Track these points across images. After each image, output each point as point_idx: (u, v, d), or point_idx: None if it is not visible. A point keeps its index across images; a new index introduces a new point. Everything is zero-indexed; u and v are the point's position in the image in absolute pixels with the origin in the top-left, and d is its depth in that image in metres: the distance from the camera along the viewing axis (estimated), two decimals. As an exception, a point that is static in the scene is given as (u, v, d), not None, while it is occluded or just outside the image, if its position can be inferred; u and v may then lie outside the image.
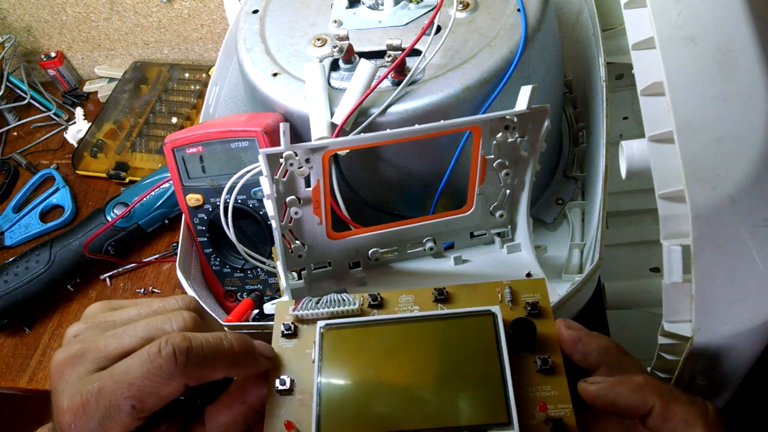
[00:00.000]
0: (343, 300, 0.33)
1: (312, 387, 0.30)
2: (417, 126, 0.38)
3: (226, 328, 0.38)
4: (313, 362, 0.31)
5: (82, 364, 0.28)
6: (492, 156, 0.41)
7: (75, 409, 0.27)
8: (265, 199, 0.38)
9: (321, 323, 0.32)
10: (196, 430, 0.30)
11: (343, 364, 0.31)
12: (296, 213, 0.40)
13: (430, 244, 0.46)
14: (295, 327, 0.33)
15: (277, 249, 0.40)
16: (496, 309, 0.32)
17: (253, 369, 0.31)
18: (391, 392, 0.30)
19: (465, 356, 0.31)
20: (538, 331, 0.31)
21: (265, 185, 0.37)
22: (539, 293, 0.33)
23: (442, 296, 0.34)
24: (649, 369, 0.39)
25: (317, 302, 0.33)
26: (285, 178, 0.38)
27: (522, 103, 0.38)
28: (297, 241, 0.42)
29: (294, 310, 0.33)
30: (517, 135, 0.40)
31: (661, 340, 0.36)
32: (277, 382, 0.30)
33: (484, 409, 0.29)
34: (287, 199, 0.39)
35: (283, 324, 0.33)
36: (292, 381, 0.31)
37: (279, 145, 0.36)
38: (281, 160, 0.37)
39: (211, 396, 0.31)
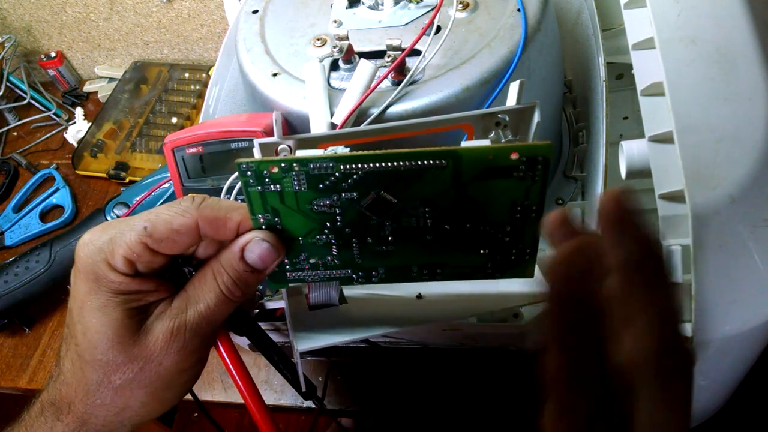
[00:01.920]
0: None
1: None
2: (410, 121, 0.38)
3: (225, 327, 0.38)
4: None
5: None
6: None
7: (95, 230, 0.30)
8: None
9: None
10: (176, 296, 0.31)
11: None
12: None
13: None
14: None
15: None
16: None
17: None
18: None
19: None
20: None
21: None
22: None
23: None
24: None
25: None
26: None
27: (512, 99, 0.38)
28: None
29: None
30: (510, 135, 0.40)
31: (661, 340, 0.36)
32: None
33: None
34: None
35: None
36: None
37: (277, 142, 0.36)
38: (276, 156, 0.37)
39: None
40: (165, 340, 0.30)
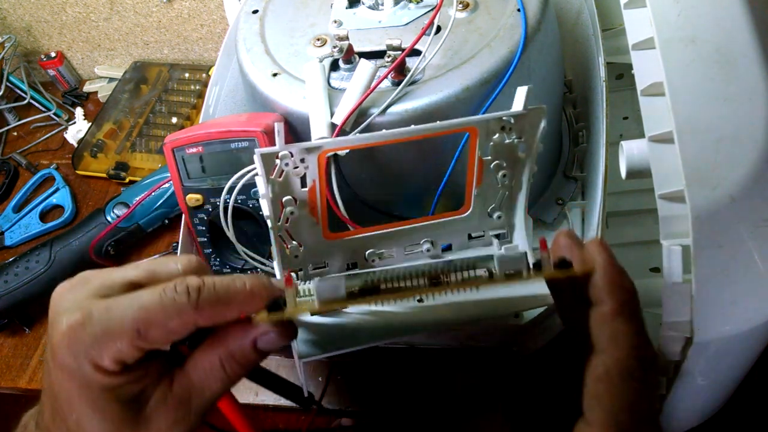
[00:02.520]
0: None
1: None
2: (413, 127, 0.38)
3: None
4: None
5: (86, 289, 0.28)
6: (489, 157, 0.41)
7: (74, 325, 0.26)
8: (260, 199, 0.38)
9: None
10: (176, 377, 0.29)
11: None
12: (292, 213, 0.40)
13: (427, 246, 0.45)
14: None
15: (273, 249, 0.40)
16: None
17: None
18: None
19: None
20: None
21: (261, 185, 0.37)
22: None
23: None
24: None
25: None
26: (281, 179, 0.38)
27: (518, 103, 0.38)
28: (293, 242, 0.42)
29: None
30: (514, 136, 0.40)
31: (661, 340, 0.36)
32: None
33: None
34: (283, 200, 0.39)
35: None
36: None
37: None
38: (277, 161, 0.37)
39: (198, 343, 0.31)
40: (168, 428, 0.28)
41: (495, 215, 0.45)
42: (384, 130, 0.38)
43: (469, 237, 0.46)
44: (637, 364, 0.27)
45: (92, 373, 0.26)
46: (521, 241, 0.46)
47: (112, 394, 0.27)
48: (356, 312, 0.40)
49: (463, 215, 0.44)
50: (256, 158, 0.36)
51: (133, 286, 0.28)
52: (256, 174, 0.37)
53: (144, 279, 0.29)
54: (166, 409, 0.28)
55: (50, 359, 0.28)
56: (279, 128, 0.35)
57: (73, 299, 0.27)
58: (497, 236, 0.46)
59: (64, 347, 0.26)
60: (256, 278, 0.29)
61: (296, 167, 0.37)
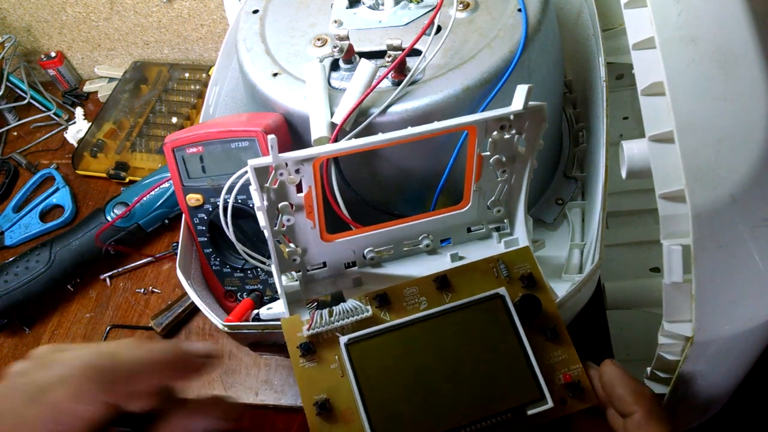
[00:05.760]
0: (355, 309, 0.34)
1: (350, 402, 0.31)
2: (410, 129, 0.37)
3: (226, 328, 0.38)
4: (342, 376, 0.32)
5: (17, 399, 0.27)
6: (488, 153, 0.41)
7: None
8: (256, 210, 0.38)
9: (343, 339, 0.33)
10: None
11: (377, 373, 0.32)
12: (288, 220, 0.39)
13: (426, 242, 0.45)
14: (313, 345, 0.33)
15: (271, 255, 0.40)
16: (502, 291, 0.35)
17: (195, 373, 0.30)
18: (429, 392, 0.32)
19: (485, 340, 0.34)
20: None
21: (256, 197, 0.37)
22: (528, 263, 0.37)
23: (444, 282, 0.36)
24: (649, 369, 0.39)
25: (330, 315, 0.34)
26: (276, 186, 0.37)
27: (518, 102, 0.38)
28: (291, 245, 0.42)
29: (308, 329, 0.33)
30: (514, 131, 0.40)
31: (661, 340, 0.36)
32: (316, 407, 0.31)
33: (518, 390, 0.32)
34: (279, 205, 0.39)
35: (302, 344, 0.33)
36: (327, 400, 0.31)
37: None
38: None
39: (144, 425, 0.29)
40: None
41: (494, 209, 0.45)
42: (380, 134, 0.38)
43: (468, 230, 0.46)
44: None
45: None
46: (521, 234, 0.45)
47: None
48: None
49: (461, 210, 0.44)
50: (250, 171, 0.35)
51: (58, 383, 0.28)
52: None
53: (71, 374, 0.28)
54: None
55: None
56: (273, 143, 0.34)
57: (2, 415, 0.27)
58: (497, 229, 0.46)
59: None
60: (173, 345, 0.30)
61: (291, 176, 0.37)
